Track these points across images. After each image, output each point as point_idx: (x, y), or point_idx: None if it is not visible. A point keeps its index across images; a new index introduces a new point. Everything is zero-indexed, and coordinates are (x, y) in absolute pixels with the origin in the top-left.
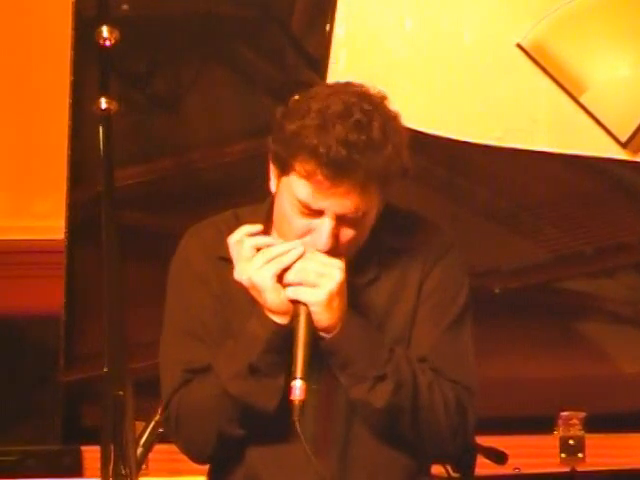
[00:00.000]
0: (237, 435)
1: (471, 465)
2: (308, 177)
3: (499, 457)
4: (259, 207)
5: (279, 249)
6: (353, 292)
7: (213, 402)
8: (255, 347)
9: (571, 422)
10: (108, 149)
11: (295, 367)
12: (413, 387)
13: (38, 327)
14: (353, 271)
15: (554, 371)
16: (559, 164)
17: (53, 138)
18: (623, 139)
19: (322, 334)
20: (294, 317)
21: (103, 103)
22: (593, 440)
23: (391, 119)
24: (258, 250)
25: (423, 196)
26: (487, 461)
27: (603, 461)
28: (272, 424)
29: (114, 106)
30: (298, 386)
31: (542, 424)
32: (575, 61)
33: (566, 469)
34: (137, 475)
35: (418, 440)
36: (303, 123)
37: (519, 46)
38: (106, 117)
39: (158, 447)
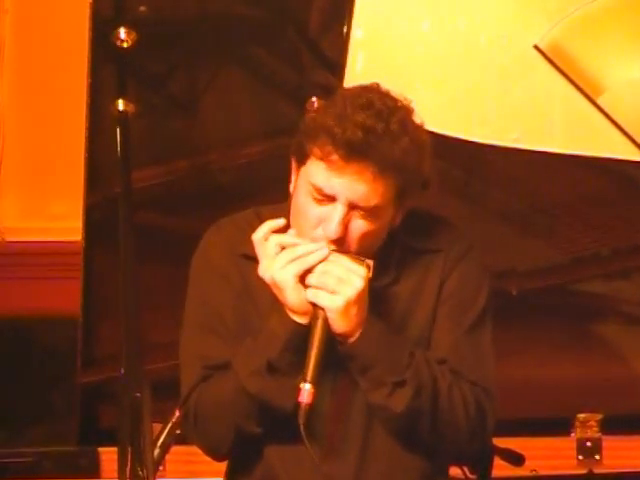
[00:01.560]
0: (255, 433)
1: (488, 466)
2: (324, 157)
3: (516, 459)
4: (280, 206)
5: (304, 249)
6: (373, 294)
7: (231, 399)
8: (274, 345)
9: (588, 424)
10: (125, 151)
11: (306, 370)
12: (433, 391)
13: (55, 329)
14: (373, 273)
15: (571, 373)
16: (575, 166)
17: (70, 140)
18: None
19: (340, 339)
20: (313, 319)
21: (120, 105)
22: (610, 442)
23: (413, 121)
24: (283, 248)
25: (439, 197)
26: (504, 463)
27: (620, 463)
28: (290, 423)
29: (131, 108)
30: (307, 389)
31: (559, 426)
32: (592, 63)
33: (583, 471)
34: (154, 476)
35: (437, 442)
36: (325, 112)
37: (536, 47)
38: (123, 119)
39: (175, 448)
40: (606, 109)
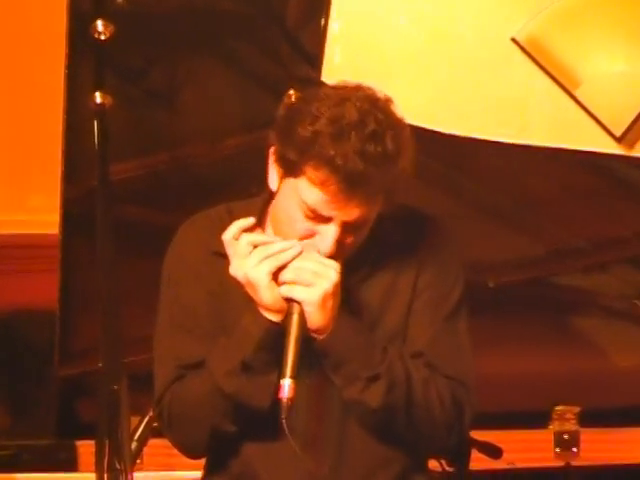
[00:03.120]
0: (230, 431)
1: (466, 459)
2: (321, 185)
3: (494, 451)
4: (252, 202)
5: (277, 247)
6: (347, 290)
7: (206, 398)
8: (248, 344)
9: (566, 416)
10: (103, 143)
11: (285, 366)
12: (407, 386)
13: (33, 322)
14: (347, 269)
15: (549, 366)
16: (553, 158)
17: (48, 132)
18: (618, 133)
19: (314, 335)
20: (287, 315)
21: (98, 97)
22: (588, 435)
23: (402, 128)
24: (255, 247)
25: (419, 191)
26: (482, 455)
27: (597, 455)
28: (267, 419)
29: (109, 101)
30: (287, 385)
31: (537, 418)
32: (570, 55)
33: (560, 463)
34: (132, 469)
35: (413, 437)
36: (316, 129)
37: (514, 40)
38: (101, 111)
39: (153, 441)
40: (584, 102)
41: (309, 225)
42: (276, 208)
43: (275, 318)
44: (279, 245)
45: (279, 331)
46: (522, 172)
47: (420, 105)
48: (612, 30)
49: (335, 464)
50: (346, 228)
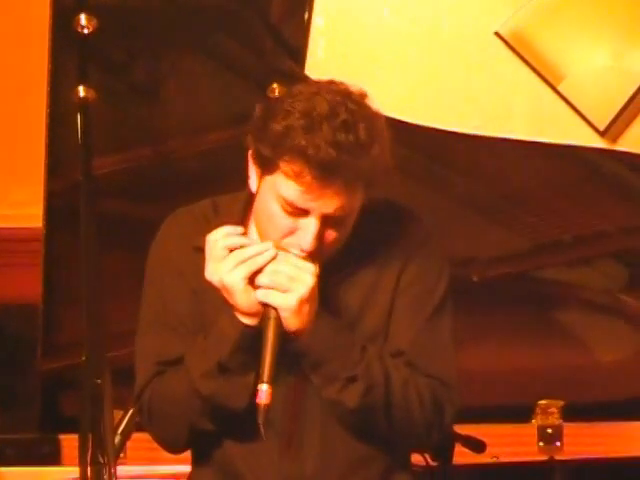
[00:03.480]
0: (208, 429)
1: (449, 454)
2: (296, 177)
3: (477, 446)
4: (237, 196)
5: (251, 251)
6: (327, 289)
7: (184, 396)
8: (225, 346)
9: (549, 411)
10: (86, 137)
11: (262, 371)
12: (386, 386)
13: (16, 315)
14: (328, 268)
15: (532, 360)
16: (537, 152)
17: (31, 126)
18: (601, 127)
19: (292, 336)
20: (263, 319)
21: (81, 91)
22: (571, 429)
23: (375, 119)
24: (231, 251)
25: (402, 184)
26: (465, 450)
27: (581, 449)
28: (246, 420)
29: (92, 94)
30: (264, 390)
31: (520, 413)
32: (553, 49)
33: (544, 457)
34: (115, 463)
35: (393, 436)
36: (288, 123)
37: (497, 34)
38: (84, 105)
39: (136, 435)
40: (567, 96)
41: (289, 222)
42: (257, 208)
43: (251, 322)
44: (254, 249)
45: (255, 333)
46: (506, 166)
47: (403, 98)
48: (596, 24)
49: (316, 463)
50: (326, 222)
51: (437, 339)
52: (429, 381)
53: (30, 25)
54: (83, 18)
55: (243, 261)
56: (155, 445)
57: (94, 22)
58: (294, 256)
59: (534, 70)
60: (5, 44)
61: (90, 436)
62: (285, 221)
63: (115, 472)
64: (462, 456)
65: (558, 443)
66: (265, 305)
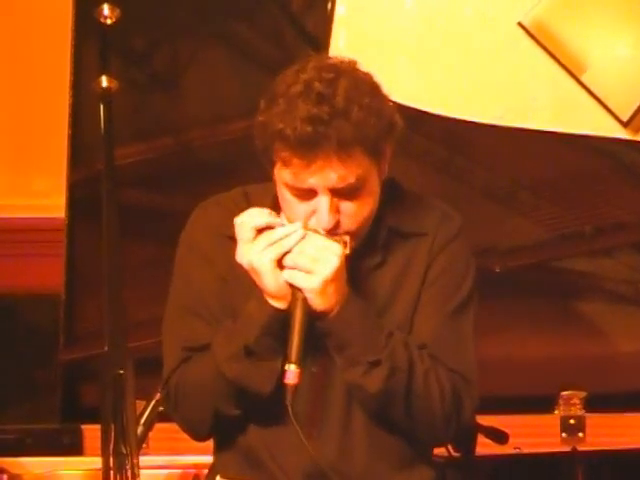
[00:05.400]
0: (233, 415)
1: (472, 444)
2: (286, 163)
3: (500, 437)
4: (268, 185)
5: (280, 232)
6: (359, 276)
7: (210, 381)
8: (252, 330)
9: (572, 402)
10: (109, 128)
11: (290, 352)
12: (408, 374)
13: (37, 306)
14: (359, 254)
15: (555, 350)
16: (559, 143)
17: (53, 116)
18: (624, 118)
19: (319, 316)
20: (292, 301)
21: (104, 81)
22: (594, 419)
23: (358, 81)
24: (259, 232)
25: (422, 175)
26: (488, 441)
27: (603, 440)
28: (270, 405)
29: (115, 84)
30: (292, 370)
31: (543, 403)
32: (576, 40)
33: (567, 448)
34: (138, 454)
35: (411, 426)
36: (270, 112)
37: (520, 25)
38: (107, 95)
39: (159, 426)
40: (590, 86)
41: (305, 206)
42: (279, 197)
43: (279, 305)
44: (283, 231)
45: (284, 317)
46: (527, 157)
47: (425, 89)
48: (619, 14)
49: (338, 449)
50: (339, 195)
51: (460, 334)
52: (451, 374)
53: (53, 16)
54: (106, 8)
55: (272, 243)
56: (178, 435)
57: (116, 12)
58: (322, 237)
59: (557, 60)
60: (28, 35)
61: (112, 426)
62: (300, 206)
63: (138, 462)
64: (484, 447)
65: (581, 434)
66: (292, 287)
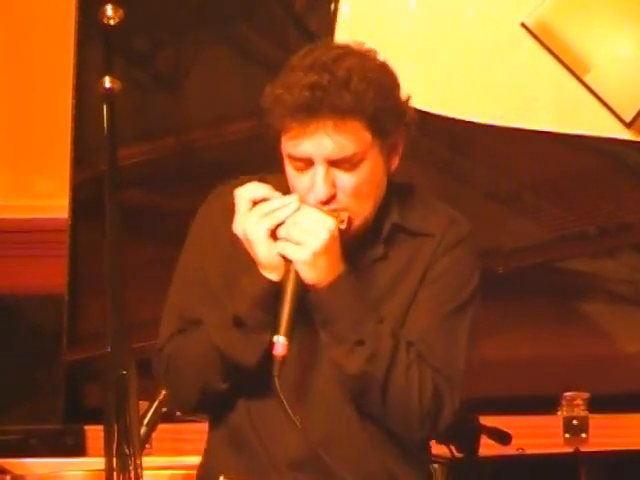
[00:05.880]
0: (220, 389)
1: (475, 445)
2: (285, 129)
3: (503, 437)
4: (285, 176)
5: (275, 204)
6: (359, 267)
7: (200, 352)
8: (244, 301)
9: (575, 402)
10: (112, 128)
11: (279, 323)
12: (390, 362)
13: (40, 306)
14: (361, 246)
15: (558, 351)
16: (562, 144)
17: (56, 117)
18: (627, 119)
19: (310, 288)
20: (285, 272)
21: (107, 82)
22: (597, 420)
23: (366, 59)
24: (256, 204)
25: (424, 175)
26: (491, 441)
27: (607, 441)
28: (258, 383)
29: (118, 85)
30: (281, 342)
31: (546, 404)
32: (579, 40)
33: (570, 449)
34: (141, 454)
35: (385, 417)
36: (276, 82)
37: (523, 25)
38: (110, 96)
39: (162, 426)
40: (593, 87)
41: (305, 179)
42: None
43: (272, 276)
44: (278, 202)
45: (276, 290)
46: (529, 157)
47: (427, 89)
48: (622, 15)
49: (323, 428)
50: (336, 166)
51: (451, 337)
52: (435, 374)
53: (56, 16)
54: (109, 9)
55: (266, 214)
56: (181, 436)
57: (120, 13)
58: (318, 211)
59: (560, 61)
60: (31, 36)
61: (115, 427)
62: (301, 180)
63: (141, 463)
64: (488, 448)
65: (584, 435)
66: (285, 259)
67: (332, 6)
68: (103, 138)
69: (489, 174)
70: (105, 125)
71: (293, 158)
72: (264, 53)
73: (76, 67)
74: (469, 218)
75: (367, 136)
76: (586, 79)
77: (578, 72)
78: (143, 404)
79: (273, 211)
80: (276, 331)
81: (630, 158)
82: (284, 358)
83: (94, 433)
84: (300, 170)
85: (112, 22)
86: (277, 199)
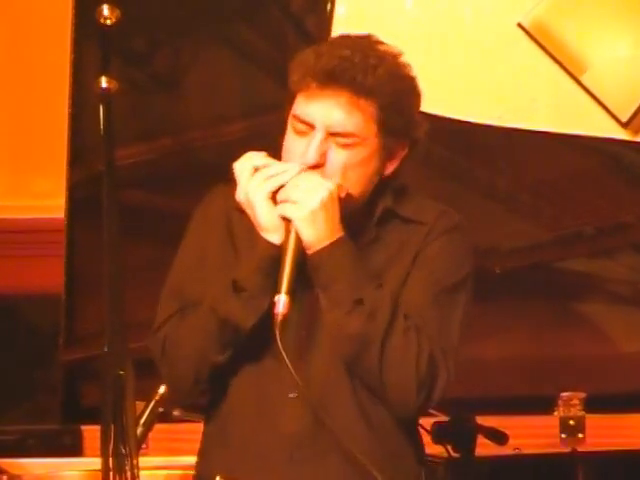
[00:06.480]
0: (217, 362)
1: (472, 445)
2: (302, 88)
3: (499, 437)
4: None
5: (276, 168)
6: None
7: (197, 325)
8: (244, 266)
9: (571, 402)
10: (109, 128)
11: (280, 282)
12: (389, 322)
13: (38, 306)
14: (354, 231)
15: (554, 351)
16: (559, 144)
17: (53, 117)
18: (624, 119)
19: (308, 250)
20: (285, 233)
21: (104, 82)
22: (593, 420)
23: (399, 65)
24: (256, 170)
25: (423, 175)
26: (487, 441)
27: (603, 441)
28: (256, 356)
29: (114, 85)
30: (282, 300)
31: (542, 404)
32: (576, 41)
33: (566, 449)
34: (137, 454)
35: (382, 381)
36: (309, 49)
37: (520, 25)
38: (106, 96)
39: (158, 427)
40: (589, 87)
41: (301, 144)
42: (283, 148)
43: (272, 238)
44: (280, 167)
45: (277, 255)
46: (527, 157)
47: (424, 90)
48: (618, 15)
49: (323, 393)
50: (333, 138)
51: (444, 314)
52: (430, 342)
53: (53, 16)
54: (106, 9)
55: (268, 178)
56: (177, 436)
57: (116, 13)
58: (318, 176)
59: (556, 61)
60: (28, 35)
61: (112, 427)
62: (295, 142)
63: (137, 463)
64: (484, 447)
65: (580, 435)
66: (285, 220)
67: (329, 7)
68: (100, 138)
69: (487, 174)
70: (102, 125)
71: (298, 119)
72: (262, 53)
73: (73, 67)
74: (467, 218)
75: (373, 127)
76: (582, 79)
77: (574, 72)
78: (140, 404)
79: (274, 175)
80: (277, 290)
81: (627, 158)
82: (285, 316)
83: (91, 433)
84: (300, 133)
85: (109, 22)
86: (278, 165)
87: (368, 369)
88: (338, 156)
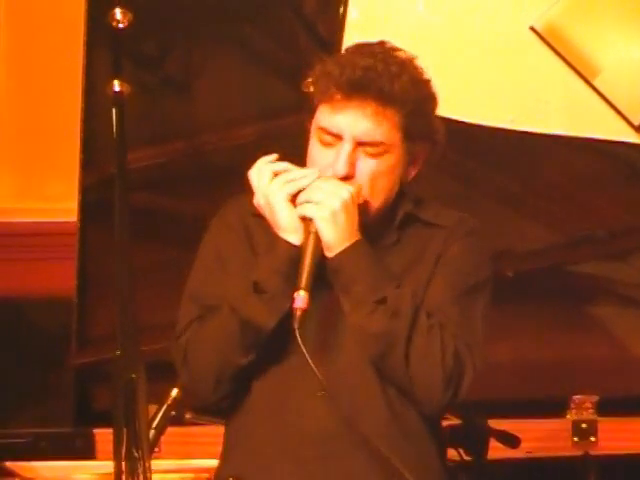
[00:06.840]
0: (240, 364)
1: (484, 449)
2: (327, 99)
3: (512, 441)
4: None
5: (296, 174)
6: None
7: (220, 327)
8: (263, 267)
9: (584, 405)
10: (121, 131)
11: (299, 279)
12: (412, 322)
13: (50, 309)
14: (375, 234)
15: (566, 354)
16: (572, 147)
17: (65, 120)
18: (636, 122)
19: (328, 253)
20: (305, 233)
21: (116, 85)
22: (606, 424)
23: (419, 74)
24: (276, 175)
25: (435, 179)
26: (500, 445)
27: (616, 445)
28: (278, 358)
29: (127, 88)
30: (301, 296)
31: (554, 407)
32: (588, 44)
33: (579, 453)
34: (150, 458)
35: (410, 381)
36: (332, 59)
37: (532, 29)
38: (119, 99)
39: (171, 430)
40: (602, 90)
41: (329, 154)
42: (307, 157)
43: (292, 239)
44: (300, 172)
45: (296, 257)
46: (539, 160)
47: (438, 93)
48: (631, 18)
49: (348, 397)
50: (361, 148)
51: (468, 313)
52: (454, 338)
53: (65, 20)
54: (118, 12)
55: (289, 181)
56: (190, 439)
57: (129, 16)
58: (336, 180)
59: (569, 65)
60: (40, 39)
61: (124, 430)
62: (324, 154)
63: (150, 466)
64: (496, 451)
65: (593, 438)
66: (305, 220)
67: (341, 10)
68: (112, 141)
69: (500, 178)
70: (114, 128)
71: (324, 131)
72: (273, 57)
73: (85, 70)
74: (480, 221)
75: (398, 134)
76: (595, 82)
77: (587, 75)
78: (152, 407)
79: (294, 180)
80: (296, 287)
81: (639, 162)
82: (305, 310)
83: (103, 436)
84: (326, 145)
85: (121, 26)
86: (297, 170)
87: (395, 367)
88: (367, 165)
